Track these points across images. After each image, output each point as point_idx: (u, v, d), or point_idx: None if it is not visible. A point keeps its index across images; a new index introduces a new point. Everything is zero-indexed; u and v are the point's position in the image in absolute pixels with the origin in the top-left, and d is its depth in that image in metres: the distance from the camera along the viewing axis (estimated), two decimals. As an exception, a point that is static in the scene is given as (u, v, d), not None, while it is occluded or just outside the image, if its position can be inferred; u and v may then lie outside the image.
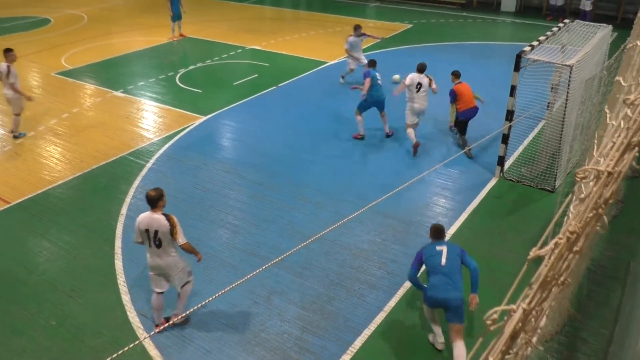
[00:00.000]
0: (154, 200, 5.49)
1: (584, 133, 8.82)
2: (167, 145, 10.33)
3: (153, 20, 20.66)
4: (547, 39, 8.95)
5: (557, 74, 8.87)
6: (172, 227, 5.45)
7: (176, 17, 17.67)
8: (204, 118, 11.54)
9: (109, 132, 10.95)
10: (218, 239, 7.52)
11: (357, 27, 13.16)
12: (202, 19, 20.82)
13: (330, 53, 15.89)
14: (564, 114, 8.04)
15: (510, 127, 8.61)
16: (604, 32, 9.30)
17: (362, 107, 10.28)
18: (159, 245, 5.52)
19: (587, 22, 9.84)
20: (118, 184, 8.99)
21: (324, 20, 20.44)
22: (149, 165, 9.58)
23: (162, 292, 5.81)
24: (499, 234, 7.51)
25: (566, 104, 7.94)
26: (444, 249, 5.43)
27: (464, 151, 9.59)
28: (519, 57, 8.13)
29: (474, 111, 9.86)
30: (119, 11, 22.95)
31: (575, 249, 2.21)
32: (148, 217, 5.51)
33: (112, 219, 7.98)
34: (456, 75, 10.00)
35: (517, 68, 8.15)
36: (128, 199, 8.50)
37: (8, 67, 10.27)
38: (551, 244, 2.01)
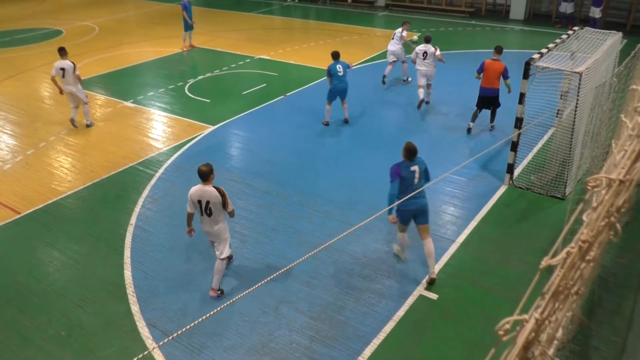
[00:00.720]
0: (206, 174, 6.13)
1: (594, 140, 8.74)
2: (176, 155, 10.36)
3: (163, 31, 20.86)
4: (556, 46, 8.91)
5: (566, 81, 8.82)
6: (223, 197, 6.14)
7: (190, 26, 17.79)
8: (212, 127, 11.59)
9: (119, 142, 11.02)
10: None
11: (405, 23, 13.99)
12: (211, 30, 20.98)
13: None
14: (574, 121, 7.97)
15: (519, 134, 8.55)
16: (613, 39, 9.24)
17: (329, 97, 11.28)
18: (210, 214, 6.20)
19: (596, 30, 9.78)
20: (128, 193, 9.02)
21: (333, 29, 20.51)
22: (158, 174, 9.62)
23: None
24: (508, 243, 7.43)
25: (576, 111, 7.87)
26: (416, 168, 6.44)
27: (468, 126, 10.89)
28: (527, 65, 8.09)
29: (490, 92, 10.48)
30: (129, 22, 23.20)
31: (587, 258, 2.17)
32: (200, 190, 6.14)
33: (122, 229, 8.00)
34: (498, 50, 10.45)
35: (526, 75, 8.11)
36: (137, 209, 8.52)
37: (72, 63, 11.40)
38: (563, 253, 1.98)
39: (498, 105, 10.67)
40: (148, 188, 9.15)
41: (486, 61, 10.48)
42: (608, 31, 9.54)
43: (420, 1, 23.90)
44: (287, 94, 13.42)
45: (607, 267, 6.62)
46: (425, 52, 11.90)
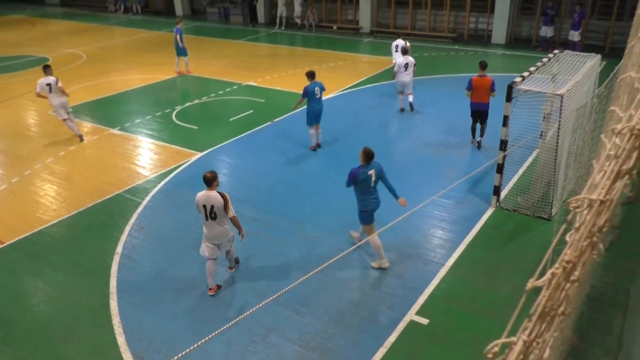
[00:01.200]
0: (210, 181, 6.65)
1: (578, 161, 8.88)
2: (163, 182, 10.33)
3: (150, 58, 20.98)
4: (537, 69, 9.10)
5: (548, 103, 8.98)
6: (225, 202, 6.64)
7: (184, 52, 18.03)
8: (200, 154, 11.59)
9: (105, 170, 10.97)
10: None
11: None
12: (198, 57, 21.14)
13: (326, 87, 16.04)
14: (557, 143, 8.11)
15: (504, 156, 8.66)
16: (593, 62, 9.47)
17: (309, 121, 11.37)
18: (214, 217, 6.70)
19: (576, 52, 10.03)
20: (114, 221, 8.95)
21: (319, 55, 20.79)
22: (145, 202, 9.56)
23: (215, 259, 6.95)
24: (497, 265, 7.46)
25: (559, 132, 8.02)
26: (373, 172, 7.02)
27: (472, 141, 11.48)
28: (510, 88, 8.24)
29: (481, 105, 11.00)
30: (117, 50, 23.32)
31: (572, 278, 2.19)
32: (205, 195, 6.66)
33: (108, 258, 7.91)
34: (482, 66, 10.96)
35: (509, 98, 8.26)
36: (124, 237, 8.44)
37: (56, 77, 12.11)
38: (548, 274, 2.00)
39: (486, 118, 11.15)
40: (135, 216, 9.08)
41: (474, 78, 10.91)
42: (587, 54, 9.78)
43: (404, 27, 24.36)
44: (274, 120, 13.50)
45: (595, 287, 6.66)
46: (407, 64, 13.22)
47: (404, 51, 13.40)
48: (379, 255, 7.38)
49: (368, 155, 7.00)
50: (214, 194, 6.64)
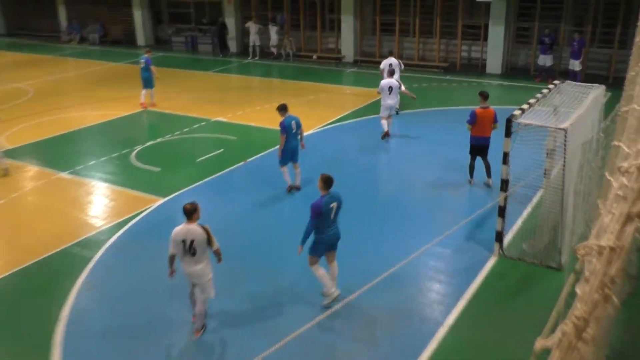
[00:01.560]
0: (190, 212, 6.90)
1: (586, 201, 8.97)
2: (119, 233, 10.15)
3: (106, 92, 21.04)
4: (537, 101, 9.30)
5: (551, 138, 9.14)
6: (208, 235, 6.85)
7: (152, 83, 18.44)
8: (162, 200, 11.47)
9: (51, 220, 10.76)
10: (179, 342, 7.21)
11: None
12: (161, 90, 21.23)
13: (305, 123, 16.15)
14: (563, 181, 8.20)
15: (506, 197, 8.72)
16: (597, 93, 9.71)
17: (283, 161, 11.35)
18: (193, 253, 6.87)
19: (578, 83, 10.30)
20: (59, 281, 8.71)
21: (297, 87, 21.07)
22: (97, 257, 9.35)
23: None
24: (502, 322, 7.38)
25: (564, 170, 8.11)
26: (335, 205, 7.44)
27: (469, 181, 11.55)
28: (509, 122, 8.38)
29: (484, 140, 11.11)
30: (69, 83, 23.38)
31: (585, 336, 2.14)
32: (184, 228, 6.87)
33: (50, 325, 7.62)
34: (484, 96, 11.18)
35: (508, 133, 8.38)
36: (71, 299, 8.19)
37: None
38: (557, 333, 1.95)
39: (487, 153, 11.29)
40: (84, 274, 8.85)
41: (477, 110, 11.04)
42: (590, 84, 10.04)
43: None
44: (247, 160, 13.50)
45: (613, 347, 6.59)
46: (391, 87, 14.31)
47: (391, 73, 14.64)
48: (327, 285, 7.69)
49: (328, 182, 7.48)
50: (194, 227, 6.86)
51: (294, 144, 11.29)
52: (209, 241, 6.90)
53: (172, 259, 7.07)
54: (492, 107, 11.08)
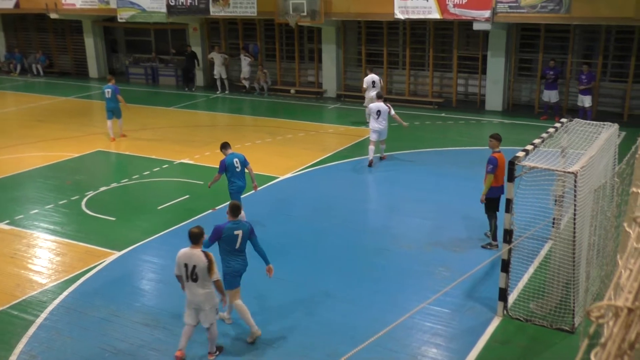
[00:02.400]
0: (196, 237, 7.66)
1: (601, 255, 9.12)
2: (66, 293, 10.02)
3: (52, 131, 21.04)
4: (543, 141, 9.54)
5: (559, 183, 9.35)
6: (210, 263, 7.54)
7: (120, 113, 19.25)
8: (117, 254, 11.40)
9: (-14, 278, 10.61)
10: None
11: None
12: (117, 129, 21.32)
13: (281, 166, 16.37)
14: (574, 232, 8.34)
15: (510, 250, 8.83)
16: (609, 132, 9.98)
17: (232, 197, 11.57)
18: (195, 279, 7.56)
19: (588, 121, 10.60)
20: (-5, 349, 8.54)
21: (273, 125, 21.29)
22: (39, 321, 9.19)
23: (194, 326, 7.85)
24: (510, 393, 7.38)
25: (575, 219, 8.27)
26: (240, 232, 8.23)
27: (489, 244, 11.21)
28: (512, 165, 8.57)
29: (501, 190, 10.83)
30: (8, 120, 23.34)
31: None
32: (188, 252, 7.61)
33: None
34: (499, 140, 11.17)
35: (511, 178, 8.56)
36: (8, 371, 8.03)
37: None
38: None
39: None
40: (24, 340, 8.68)
41: (496, 156, 10.90)
42: (602, 123, 10.32)
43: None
44: (217, 208, 13.51)
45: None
46: (379, 111, 15.64)
47: (379, 96, 16.36)
48: (249, 324, 8.36)
49: (233, 209, 8.43)
50: (198, 252, 7.59)
51: (240, 183, 11.70)
52: (210, 270, 7.57)
53: (179, 279, 7.85)
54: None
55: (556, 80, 20.76)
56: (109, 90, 18.93)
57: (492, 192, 10.95)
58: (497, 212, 11.03)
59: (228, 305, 8.65)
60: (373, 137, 15.94)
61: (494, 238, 11.18)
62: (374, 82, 19.16)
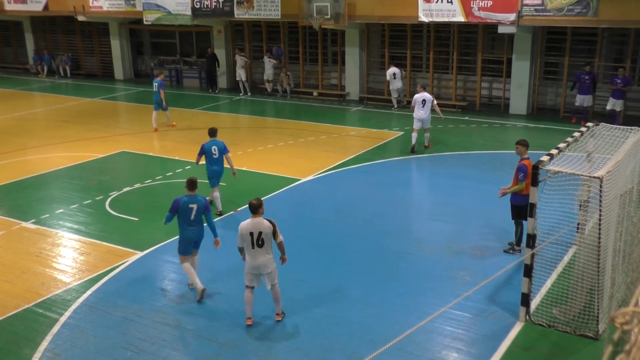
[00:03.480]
0: (257, 207, 8.55)
1: (627, 261, 8.99)
2: (89, 292, 10.13)
3: (78, 132, 21.29)
4: (568, 145, 9.42)
5: (584, 188, 9.24)
6: (274, 227, 8.53)
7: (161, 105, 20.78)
8: (140, 254, 11.49)
9: (11, 277, 10.76)
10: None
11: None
12: (141, 130, 21.53)
13: (304, 168, 16.38)
14: (599, 238, 8.23)
15: (533, 255, 8.74)
16: (637, 136, 9.83)
17: (211, 184, 13.21)
18: (261, 245, 8.48)
19: (614, 125, 10.44)
20: (17, 348, 8.65)
21: (295, 128, 21.32)
22: (63, 319, 9.31)
23: (253, 288, 8.77)
24: (532, 399, 7.29)
25: (600, 224, 8.16)
26: (195, 206, 9.52)
27: (512, 248, 11.18)
28: (536, 169, 8.48)
29: (528, 198, 10.27)
30: (36, 121, 23.67)
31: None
32: (251, 222, 8.50)
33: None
34: (525, 145, 10.93)
35: (534, 182, 8.48)
36: (32, 367, 8.14)
37: None
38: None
39: None
40: (48, 338, 8.80)
41: (526, 162, 10.61)
42: (629, 127, 10.16)
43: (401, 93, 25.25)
44: (238, 210, 13.57)
45: None
46: (424, 100, 16.96)
47: (423, 86, 17.81)
48: (194, 282, 9.70)
49: (191, 184, 9.68)
50: (261, 220, 8.50)
51: (215, 168, 13.02)
52: (274, 233, 8.51)
53: (241, 250, 8.69)
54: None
55: (592, 86, 20.42)
56: (156, 84, 20.59)
57: (523, 199, 10.46)
58: (525, 220, 10.90)
59: (191, 277, 9.84)
60: (417, 125, 17.17)
61: (518, 244, 11.07)
62: (394, 74, 20.61)
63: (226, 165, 13.20)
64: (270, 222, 8.58)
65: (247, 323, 8.82)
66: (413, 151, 17.42)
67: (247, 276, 8.76)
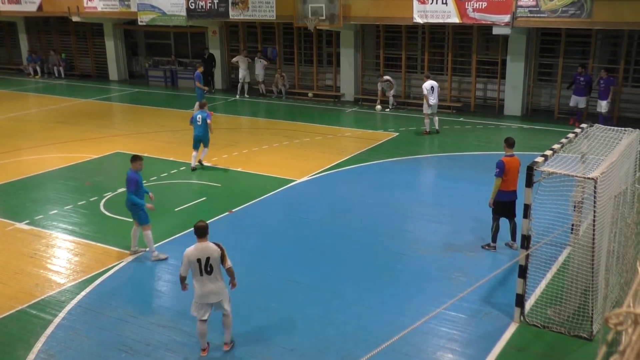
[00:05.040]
0: (203, 230, 7.97)
1: (621, 262, 9.02)
2: (83, 293, 10.11)
3: (73, 133, 21.25)
4: (562, 147, 9.46)
5: (579, 189, 9.27)
6: (222, 251, 7.91)
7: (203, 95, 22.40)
8: (134, 255, 11.47)
9: (4, 278, 10.72)
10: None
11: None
12: (136, 131, 21.50)
13: (299, 169, 16.39)
14: (593, 239, 8.26)
15: (527, 256, 8.77)
16: (631, 138, 9.87)
17: (193, 144, 16.60)
18: (210, 271, 7.87)
19: (608, 127, 10.47)
20: (11, 349, 8.62)
21: (290, 129, 21.32)
22: (57, 320, 9.28)
23: (206, 320, 8.08)
24: (526, 400, 7.31)
25: (594, 225, 8.19)
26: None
27: (487, 245, 11.27)
28: (530, 170, 8.50)
29: (511, 195, 10.87)
30: (30, 122, 23.58)
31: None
32: (199, 247, 7.89)
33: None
34: (510, 144, 11.11)
35: (529, 183, 8.50)
36: (26, 369, 8.11)
37: None
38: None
39: (515, 212, 10.93)
40: (42, 339, 8.77)
41: (504, 159, 10.86)
42: (623, 128, 10.20)
43: (395, 94, 25.29)
44: (233, 210, 13.56)
45: None
46: (433, 87, 19.41)
47: (427, 76, 20.01)
48: (151, 248, 11.18)
49: (136, 158, 11.23)
50: (208, 244, 7.92)
51: (197, 132, 16.26)
52: (223, 258, 7.95)
53: (183, 279, 8.16)
54: (517, 156, 11.03)
55: (587, 87, 20.44)
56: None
57: (499, 195, 10.91)
58: (501, 217, 11.07)
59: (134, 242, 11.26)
60: (428, 110, 19.48)
61: (493, 240, 11.20)
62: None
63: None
64: (218, 245, 7.98)
65: (202, 354, 8.23)
66: (428, 133, 19.77)
67: (197, 309, 8.08)
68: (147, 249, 11.35)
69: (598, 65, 21.86)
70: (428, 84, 19.31)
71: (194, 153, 16.53)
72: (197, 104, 19.53)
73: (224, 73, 29.14)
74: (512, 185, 10.89)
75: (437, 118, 20.00)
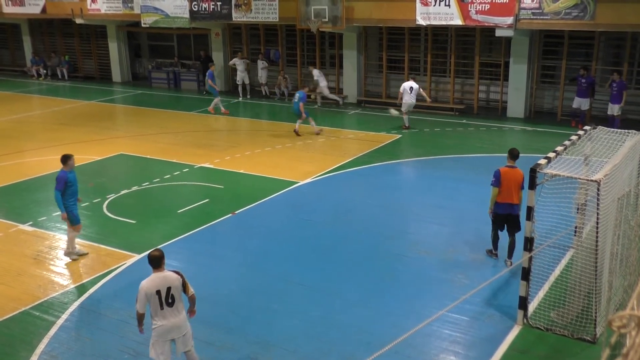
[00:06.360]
0: (160, 260, 7.15)
1: (625, 265, 8.99)
2: (86, 295, 10.12)
3: (75, 134, 21.27)
4: (565, 149, 9.43)
5: (582, 191, 9.24)
6: (183, 279, 7.21)
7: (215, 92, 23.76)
8: (137, 257, 11.47)
9: (7, 280, 10.73)
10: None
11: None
12: (139, 132, 21.51)
13: (301, 171, 16.38)
14: (597, 241, 8.24)
15: (530, 258, 8.75)
16: (634, 140, 9.85)
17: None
18: (172, 303, 7.09)
19: (613, 129, 10.46)
20: (14, 350, 8.63)
21: (292, 130, 21.30)
22: (59, 322, 9.29)
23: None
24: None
25: (597, 228, 8.17)
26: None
27: (490, 250, 11.04)
28: (533, 172, 8.49)
29: (508, 208, 10.47)
30: (33, 123, 23.61)
31: None
32: (157, 278, 7.08)
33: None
34: (513, 155, 10.78)
35: (532, 185, 8.49)
36: (28, 370, 8.12)
37: None
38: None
39: (518, 228, 10.45)
40: (45, 341, 8.78)
41: (501, 169, 10.57)
42: (627, 131, 10.17)
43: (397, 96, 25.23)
44: (236, 212, 13.56)
45: None
46: (412, 87, 20.31)
47: (411, 77, 21.20)
48: (72, 247, 11.29)
49: (66, 158, 11.19)
50: (168, 274, 7.18)
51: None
52: (185, 286, 7.28)
53: (141, 317, 7.27)
54: (520, 169, 10.55)
55: (589, 89, 20.39)
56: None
57: (497, 207, 10.57)
58: (500, 230, 10.79)
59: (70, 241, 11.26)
60: (405, 108, 20.59)
61: (494, 247, 10.99)
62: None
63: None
64: (177, 273, 7.28)
65: None
66: (408, 128, 20.84)
67: (159, 349, 7.22)
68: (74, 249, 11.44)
69: (601, 68, 21.83)
70: (407, 84, 20.46)
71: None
72: (216, 99, 23.70)
73: (227, 75, 29.13)
74: (509, 198, 10.42)
75: (407, 116, 20.96)
